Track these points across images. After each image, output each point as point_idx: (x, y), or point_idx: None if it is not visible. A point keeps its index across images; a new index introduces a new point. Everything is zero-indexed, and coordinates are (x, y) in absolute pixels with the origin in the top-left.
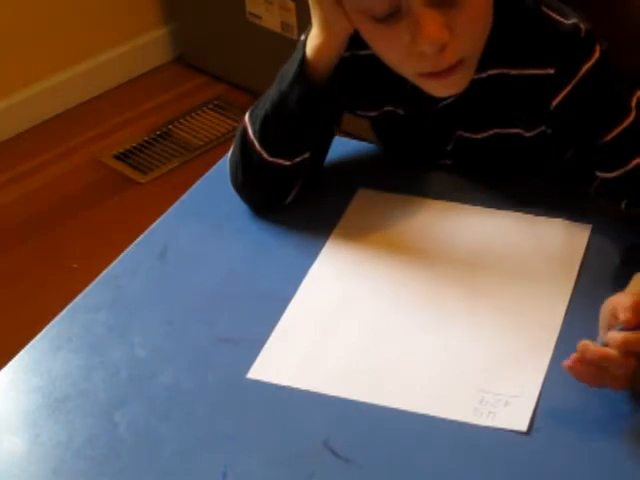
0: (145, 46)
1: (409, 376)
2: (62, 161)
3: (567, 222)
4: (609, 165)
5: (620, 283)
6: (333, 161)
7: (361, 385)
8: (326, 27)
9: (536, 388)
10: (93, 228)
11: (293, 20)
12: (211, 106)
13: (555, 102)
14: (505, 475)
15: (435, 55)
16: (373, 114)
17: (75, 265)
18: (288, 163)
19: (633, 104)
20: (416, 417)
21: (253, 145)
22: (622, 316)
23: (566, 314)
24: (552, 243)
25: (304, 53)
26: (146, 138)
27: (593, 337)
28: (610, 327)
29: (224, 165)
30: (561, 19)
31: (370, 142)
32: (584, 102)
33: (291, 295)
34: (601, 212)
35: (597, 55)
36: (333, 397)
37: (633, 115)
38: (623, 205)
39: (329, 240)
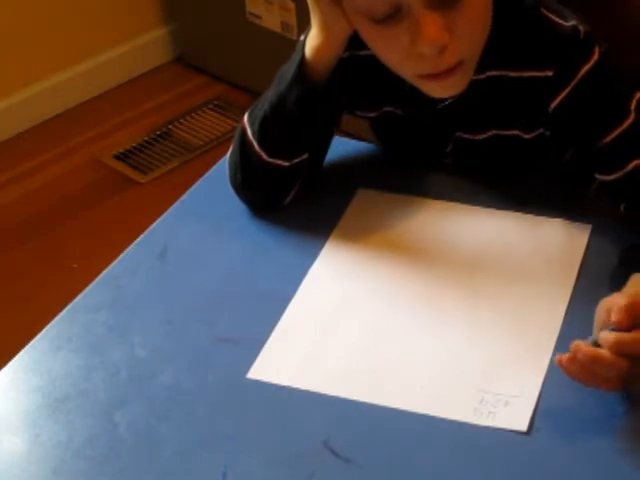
0: (145, 46)
1: (409, 376)
2: (62, 161)
3: (567, 222)
4: (608, 167)
5: (619, 283)
6: (333, 161)
7: (361, 385)
8: (325, 28)
9: (536, 388)
10: (93, 228)
11: (293, 20)
12: (211, 106)
13: (554, 104)
14: (505, 475)
15: (435, 57)
16: (372, 115)
17: (75, 265)
18: (287, 164)
19: (632, 106)
20: (416, 417)
21: (252, 146)
22: (614, 317)
23: (566, 314)
24: (552, 243)
25: (303, 54)
26: (146, 138)
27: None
28: (604, 327)
29: (224, 165)
30: (560, 21)
31: (370, 142)
32: (583, 104)
33: (291, 295)
34: (601, 212)
35: (596, 57)
36: (333, 397)
37: (632, 117)
38: (622, 207)
39: (329, 240)
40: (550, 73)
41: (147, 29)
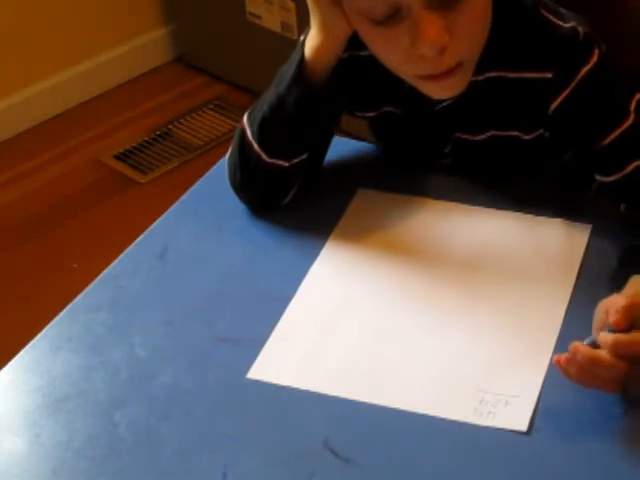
0: (145, 46)
1: (409, 376)
2: (62, 161)
3: (567, 222)
4: (607, 168)
5: (619, 284)
6: (333, 161)
7: (361, 385)
8: (325, 28)
9: (536, 388)
10: (93, 228)
11: (293, 20)
12: (211, 106)
13: (553, 106)
14: (505, 475)
15: (434, 58)
16: (371, 115)
17: (75, 265)
18: (286, 164)
19: (632, 107)
20: (416, 417)
21: (251, 146)
22: (612, 317)
23: (566, 314)
24: (552, 243)
25: (302, 54)
26: (146, 138)
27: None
28: (603, 328)
29: (224, 165)
30: (559, 22)
31: (370, 142)
32: (582, 106)
33: (291, 295)
34: (601, 213)
35: (595, 58)
36: (333, 397)
37: (632, 118)
38: (622, 208)
39: (329, 240)
40: (549, 75)
41: (147, 29)
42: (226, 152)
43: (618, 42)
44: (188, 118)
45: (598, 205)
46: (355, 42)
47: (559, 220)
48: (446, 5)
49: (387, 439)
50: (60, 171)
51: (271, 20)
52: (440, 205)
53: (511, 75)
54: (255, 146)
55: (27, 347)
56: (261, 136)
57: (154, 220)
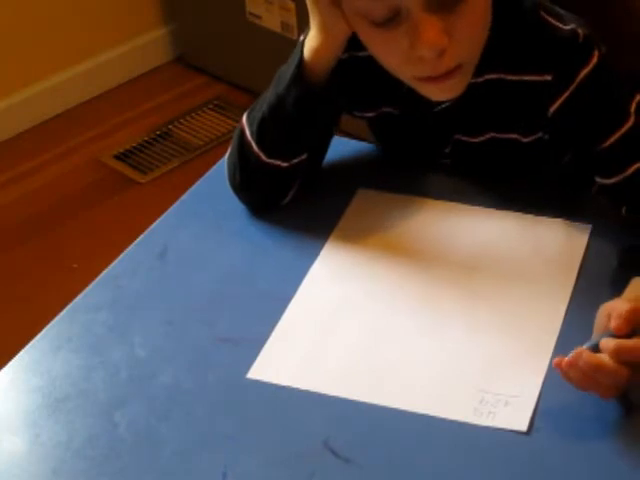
0: (145, 46)
1: (409, 376)
2: (62, 161)
3: (566, 222)
4: (608, 171)
5: (619, 285)
6: (333, 161)
7: (361, 385)
8: (324, 29)
9: (536, 388)
10: (93, 228)
11: (293, 20)
12: (211, 106)
13: (553, 109)
14: (505, 475)
15: (433, 60)
16: (370, 115)
17: (75, 265)
18: (285, 164)
19: (632, 109)
20: (416, 417)
21: (251, 147)
22: (613, 322)
23: (566, 314)
24: (552, 244)
25: (302, 55)
26: (146, 138)
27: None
28: (604, 332)
29: (224, 165)
30: (559, 25)
31: (370, 142)
32: (582, 108)
33: (291, 295)
34: (601, 213)
35: (595, 60)
36: (333, 397)
37: (632, 120)
38: (623, 210)
39: (329, 240)
40: (549, 77)
41: (147, 29)
42: (226, 152)
43: (618, 42)
44: (188, 118)
45: (598, 205)
46: (354, 43)
47: (559, 220)
48: (445, 8)
49: (387, 439)
50: (60, 171)
51: (271, 20)
52: (440, 205)
53: (510, 77)
54: (254, 146)
55: (27, 347)
56: (260, 136)
57: (154, 220)
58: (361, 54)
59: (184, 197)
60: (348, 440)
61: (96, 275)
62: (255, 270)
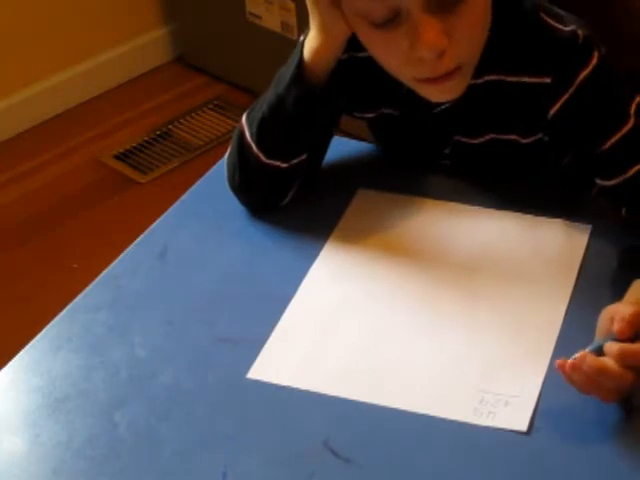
0: (145, 46)
1: (409, 376)
2: (62, 161)
3: (566, 223)
4: (608, 173)
5: (619, 285)
6: (332, 161)
7: (361, 385)
8: (324, 30)
9: (536, 388)
10: (93, 228)
11: (293, 20)
12: (211, 106)
13: (552, 111)
14: (505, 475)
15: (433, 61)
16: (370, 116)
17: (75, 265)
18: (285, 165)
19: (632, 111)
20: (416, 417)
21: (250, 147)
22: (616, 326)
23: (566, 314)
24: (551, 244)
25: (301, 55)
26: (146, 138)
27: (593, 336)
28: (607, 335)
29: (224, 165)
30: (559, 26)
31: (370, 142)
32: (582, 110)
33: (291, 295)
34: (601, 213)
35: (594, 62)
36: (333, 397)
37: (632, 122)
38: (624, 212)
39: (329, 240)
40: (548, 80)
41: (147, 29)
42: (226, 152)
43: (618, 42)
44: (188, 118)
45: (598, 206)
46: (354, 43)
47: (559, 221)
48: (445, 8)
49: (387, 439)
50: (60, 171)
51: (271, 20)
52: (440, 205)
53: (510, 79)
54: (254, 147)
55: (27, 347)
56: (260, 137)
57: (154, 220)
58: (361, 55)
59: (184, 197)
60: (348, 440)
61: (96, 275)
62: (255, 270)
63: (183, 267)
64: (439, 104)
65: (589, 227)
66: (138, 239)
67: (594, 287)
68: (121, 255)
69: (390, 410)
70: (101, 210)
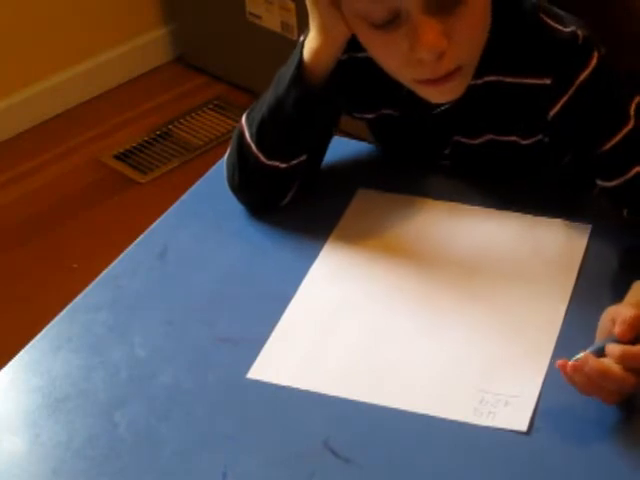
0: (145, 46)
1: (409, 376)
2: (62, 161)
3: (566, 223)
4: (609, 174)
5: (619, 285)
6: (332, 162)
7: (361, 385)
8: (324, 31)
9: (536, 388)
10: (93, 228)
11: (293, 20)
12: (211, 106)
13: (552, 112)
14: (505, 475)
15: (433, 62)
16: (370, 116)
17: (75, 265)
18: (284, 166)
19: (632, 111)
20: (416, 417)
21: (250, 148)
22: (617, 328)
23: (566, 314)
24: (551, 244)
25: (301, 56)
26: (146, 138)
27: (593, 336)
28: (608, 337)
29: (224, 165)
30: (559, 27)
31: (370, 142)
32: (582, 111)
33: (291, 295)
34: (600, 213)
35: (594, 63)
36: (333, 397)
37: (632, 123)
38: (625, 213)
39: (329, 240)
40: (548, 81)
41: (147, 29)
42: (226, 152)
43: (618, 42)
44: (188, 118)
45: (598, 206)
46: (354, 44)
47: (559, 221)
48: (445, 10)
49: (387, 439)
50: (60, 171)
51: (271, 20)
52: (440, 205)
53: (510, 80)
54: (253, 147)
55: (27, 347)
56: (259, 138)
57: (154, 220)
58: (361, 55)
59: (184, 197)
60: (348, 440)
61: (96, 275)
62: (255, 270)
63: (183, 267)
64: (439, 105)
65: (589, 227)
66: (138, 239)
67: (594, 287)
68: (121, 255)
69: (390, 410)
70: (101, 210)
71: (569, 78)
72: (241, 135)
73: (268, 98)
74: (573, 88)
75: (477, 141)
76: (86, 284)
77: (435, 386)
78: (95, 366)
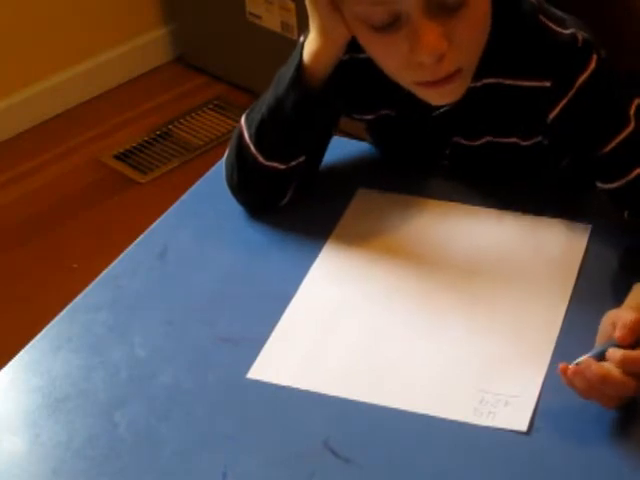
0: (145, 46)
1: (409, 376)
2: (62, 161)
3: (566, 222)
4: (609, 176)
5: (619, 285)
6: (332, 162)
7: (361, 385)
8: (324, 33)
9: (536, 388)
10: (93, 228)
11: (293, 20)
12: (211, 106)
13: (552, 115)
14: (505, 475)
15: (433, 65)
16: (369, 117)
17: (75, 265)
18: (283, 167)
19: (632, 113)
20: (416, 417)
21: (248, 148)
22: (618, 332)
23: (566, 314)
24: (551, 244)
25: (301, 57)
26: (146, 138)
27: (593, 336)
28: (608, 341)
29: (223, 165)
30: (558, 29)
31: (369, 143)
32: (581, 114)
33: (291, 295)
34: (600, 213)
35: (593, 65)
36: (333, 397)
37: (632, 125)
38: (626, 214)
39: (329, 240)
40: (548, 84)
41: (147, 29)
42: (226, 152)
43: (618, 42)
44: (188, 118)
45: (598, 206)
46: (354, 44)
47: (559, 221)
48: (445, 12)
49: (387, 439)
50: (60, 171)
51: (271, 20)
52: (440, 206)
53: (509, 82)
54: (252, 148)
55: (27, 347)
56: (258, 139)
57: (154, 220)
58: (360, 56)
59: (184, 197)
60: (348, 440)
61: (96, 275)
62: (255, 270)
63: (183, 267)
64: (438, 107)
65: (589, 227)
66: (138, 239)
67: (594, 287)
68: (121, 255)
69: (390, 410)
70: (101, 210)
71: (569, 81)
72: (240, 135)
73: (268, 99)
74: (573, 91)
75: (476, 143)
76: (86, 284)
77: (435, 386)
78: (95, 366)
